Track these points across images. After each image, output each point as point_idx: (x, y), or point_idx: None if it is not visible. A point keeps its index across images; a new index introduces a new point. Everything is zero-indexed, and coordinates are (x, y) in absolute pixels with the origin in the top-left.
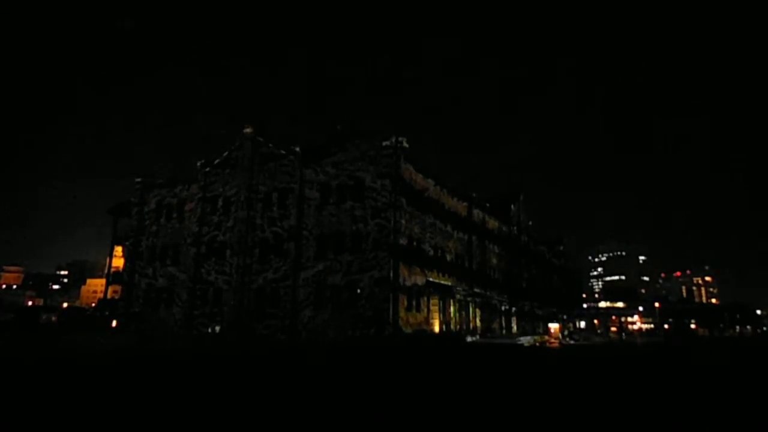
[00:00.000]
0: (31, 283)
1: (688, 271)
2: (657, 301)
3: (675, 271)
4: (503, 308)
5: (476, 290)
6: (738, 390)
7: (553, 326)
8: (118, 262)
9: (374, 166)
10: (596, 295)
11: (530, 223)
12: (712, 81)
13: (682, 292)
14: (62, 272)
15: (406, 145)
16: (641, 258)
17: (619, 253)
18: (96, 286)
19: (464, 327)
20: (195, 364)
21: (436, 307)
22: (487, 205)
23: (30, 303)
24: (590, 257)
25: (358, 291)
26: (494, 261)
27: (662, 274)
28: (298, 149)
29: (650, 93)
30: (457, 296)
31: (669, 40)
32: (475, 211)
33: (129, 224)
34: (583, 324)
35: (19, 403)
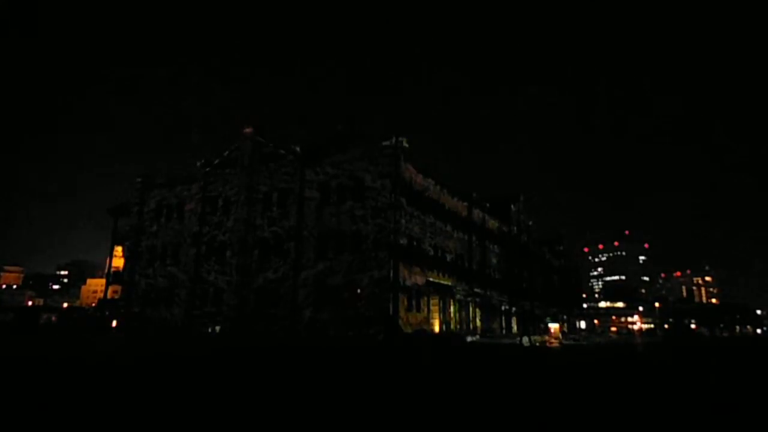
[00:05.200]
0: (31, 283)
1: (688, 271)
2: (657, 301)
3: (675, 271)
4: (503, 308)
5: (476, 290)
6: (734, 390)
7: (553, 326)
8: (118, 262)
9: (374, 166)
10: (596, 295)
11: (530, 223)
12: (713, 81)
13: (682, 292)
14: (62, 272)
15: (406, 145)
16: (641, 258)
17: (619, 253)
18: (96, 286)
19: (464, 327)
20: (194, 365)
21: (436, 307)
22: (487, 205)
23: (30, 303)
24: (590, 257)
25: (358, 291)
26: (494, 261)
27: (662, 274)
28: (298, 149)
29: (651, 93)
30: (457, 296)
31: (670, 38)
32: (475, 211)
33: (129, 224)
34: (583, 324)
35: (17, 404)
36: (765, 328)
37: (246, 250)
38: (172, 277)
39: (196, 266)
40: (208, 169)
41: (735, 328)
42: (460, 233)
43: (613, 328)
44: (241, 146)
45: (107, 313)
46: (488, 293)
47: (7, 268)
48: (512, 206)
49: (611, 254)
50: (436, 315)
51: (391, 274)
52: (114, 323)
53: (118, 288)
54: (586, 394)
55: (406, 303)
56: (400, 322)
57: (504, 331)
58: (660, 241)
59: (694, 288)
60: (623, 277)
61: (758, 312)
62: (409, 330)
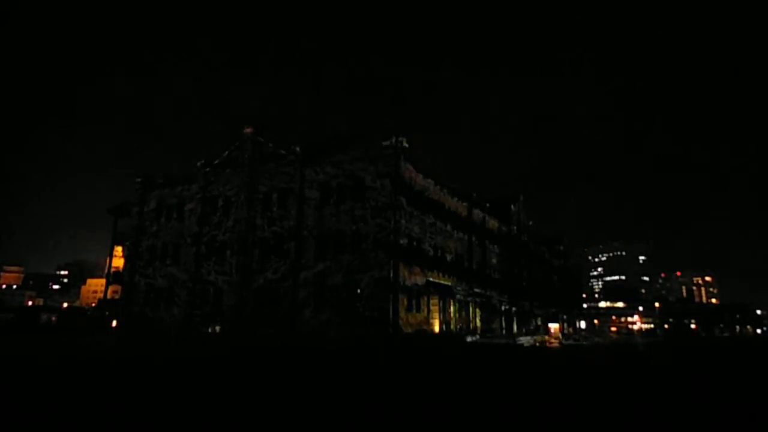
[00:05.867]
0: (31, 283)
1: (688, 271)
2: (657, 301)
3: (675, 271)
4: (503, 308)
5: (476, 290)
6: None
7: (553, 326)
8: (118, 262)
9: (374, 166)
10: (596, 295)
11: (530, 223)
12: (713, 82)
13: (682, 292)
14: (62, 272)
15: (406, 145)
16: (641, 258)
17: (619, 253)
18: (96, 286)
19: (464, 327)
20: (194, 366)
21: (436, 307)
22: (487, 205)
23: (30, 303)
24: (590, 257)
25: (358, 291)
26: (494, 261)
27: (662, 274)
28: (298, 149)
29: (650, 94)
30: (457, 296)
31: (670, 43)
32: (475, 211)
33: (129, 224)
34: (583, 324)
35: (13, 405)
36: (765, 328)
37: (246, 250)
38: (172, 277)
39: (196, 266)
40: (208, 169)
41: (735, 328)
42: (460, 233)
43: (613, 328)
44: (241, 146)
45: (107, 313)
46: (488, 293)
47: (7, 268)
48: (512, 206)
49: (611, 254)
50: (436, 315)
51: (391, 274)
52: (114, 323)
53: (118, 288)
54: (587, 395)
55: (406, 303)
56: (400, 322)
57: (504, 331)
58: (660, 241)
59: (694, 288)
60: (623, 277)
61: (758, 312)
62: (409, 330)
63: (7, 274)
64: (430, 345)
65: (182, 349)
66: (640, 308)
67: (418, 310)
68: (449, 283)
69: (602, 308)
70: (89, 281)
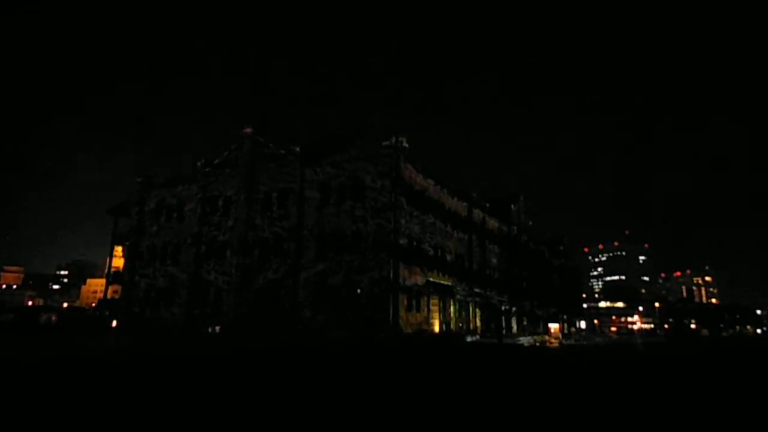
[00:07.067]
0: (31, 283)
1: (688, 271)
2: (657, 301)
3: (675, 271)
4: (503, 308)
5: (476, 290)
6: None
7: (553, 326)
8: (118, 262)
9: (374, 166)
10: (596, 295)
11: (530, 223)
12: (711, 82)
13: (682, 292)
14: (62, 272)
15: (406, 145)
16: (641, 258)
17: (619, 253)
18: (96, 286)
19: (464, 327)
20: (195, 366)
21: (436, 307)
22: (487, 205)
23: (30, 303)
24: (590, 257)
25: (358, 291)
26: (494, 261)
27: (662, 274)
28: (298, 149)
29: (648, 95)
30: (457, 296)
31: (666, 41)
32: (475, 211)
33: (129, 224)
34: (583, 324)
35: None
36: (765, 328)
37: (246, 250)
38: (172, 277)
39: (196, 266)
40: (208, 169)
41: (735, 328)
42: (460, 233)
43: (613, 328)
44: (241, 146)
45: (107, 313)
46: (488, 293)
47: (7, 268)
48: (512, 206)
49: (611, 254)
50: (436, 315)
51: (391, 274)
52: (114, 323)
53: (118, 288)
54: (590, 396)
55: (406, 303)
56: (400, 322)
57: (504, 331)
58: (660, 241)
59: (694, 288)
60: (623, 277)
61: (758, 312)
62: (409, 330)
63: (7, 274)
64: (430, 345)
65: (182, 349)
66: (640, 308)
67: (418, 310)
68: (449, 283)
69: (602, 308)
70: (89, 281)
